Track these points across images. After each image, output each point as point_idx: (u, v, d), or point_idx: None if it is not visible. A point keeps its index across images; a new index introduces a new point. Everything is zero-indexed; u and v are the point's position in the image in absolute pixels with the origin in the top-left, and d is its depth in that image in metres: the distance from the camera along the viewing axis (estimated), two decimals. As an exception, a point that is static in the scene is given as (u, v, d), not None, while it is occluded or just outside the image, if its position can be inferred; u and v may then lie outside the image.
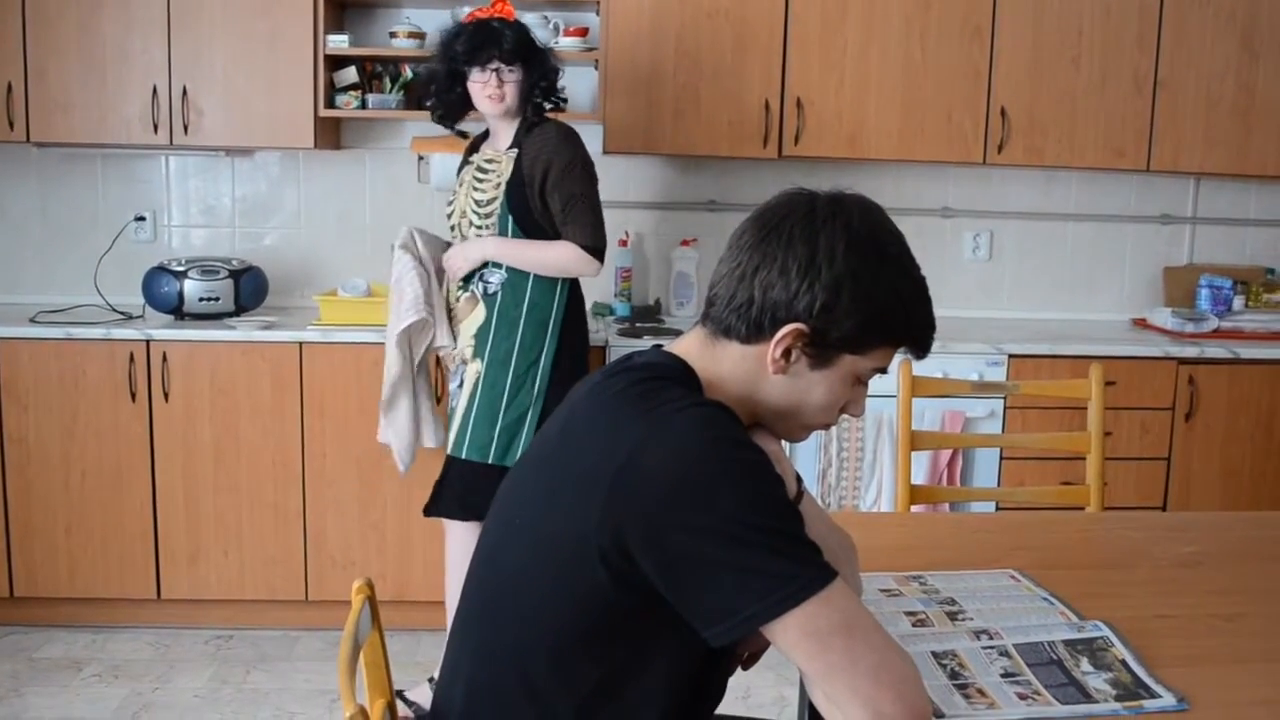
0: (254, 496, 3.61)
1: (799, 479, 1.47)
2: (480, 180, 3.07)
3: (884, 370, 1.39)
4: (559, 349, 3.08)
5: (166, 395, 3.56)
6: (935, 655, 1.57)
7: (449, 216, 3.19)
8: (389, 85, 3.87)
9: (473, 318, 3.10)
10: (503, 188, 3.02)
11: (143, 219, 4.07)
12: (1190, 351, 3.77)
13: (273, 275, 3.94)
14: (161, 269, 3.69)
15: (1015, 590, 1.82)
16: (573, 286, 3.14)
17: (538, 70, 3.04)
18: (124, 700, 3.24)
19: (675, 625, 1.26)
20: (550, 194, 3.01)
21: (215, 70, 3.69)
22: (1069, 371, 3.62)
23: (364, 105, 3.80)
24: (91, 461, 3.58)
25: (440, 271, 3.20)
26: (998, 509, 3.46)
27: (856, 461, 3.66)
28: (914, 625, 1.68)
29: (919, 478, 3.52)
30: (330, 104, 3.78)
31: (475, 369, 3.08)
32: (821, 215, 1.33)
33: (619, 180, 4.09)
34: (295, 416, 3.59)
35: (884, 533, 2.21)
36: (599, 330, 3.69)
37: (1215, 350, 3.78)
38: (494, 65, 2.98)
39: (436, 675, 1.77)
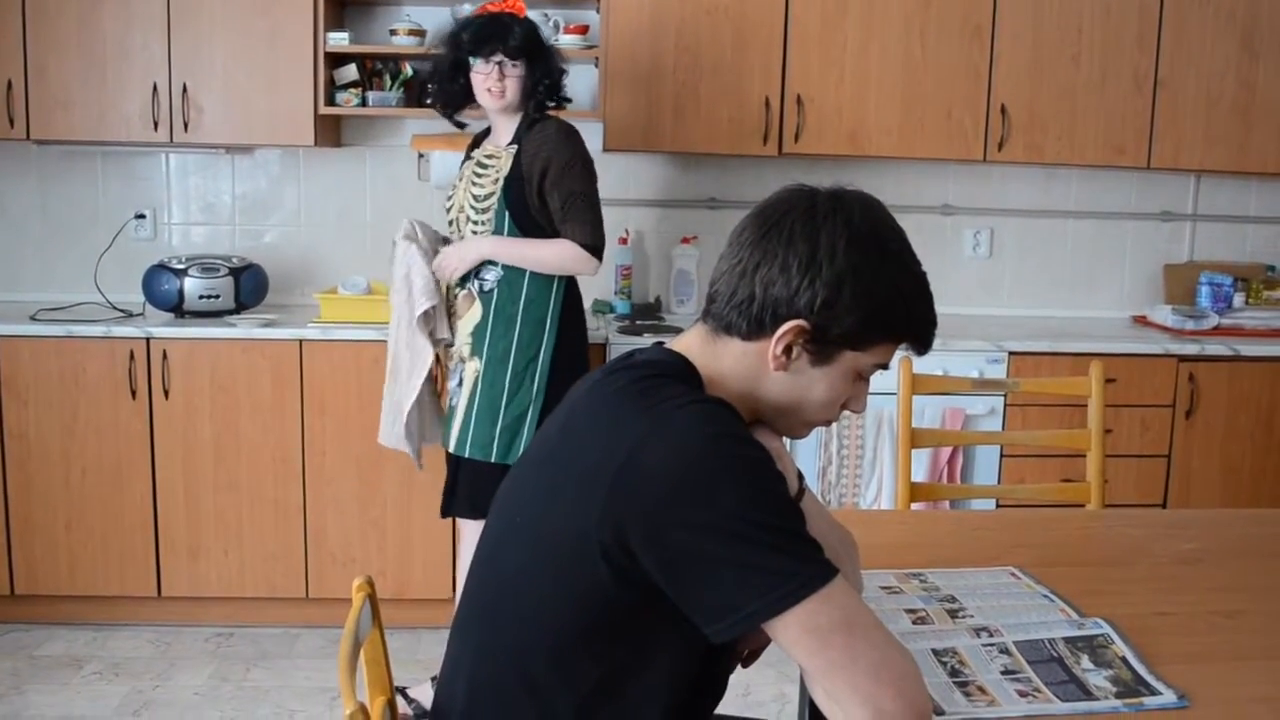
0: (254, 494, 3.61)
1: (800, 476, 1.47)
2: (479, 175, 3.07)
3: (885, 366, 1.39)
4: (557, 346, 3.07)
5: (167, 393, 3.56)
6: (936, 652, 1.57)
7: (448, 211, 3.19)
8: (389, 83, 3.87)
9: (469, 315, 3.10)
10: (500, 183, 3.02)
11: (143, 216, 4.07)
12: (1190, 349, 3.77)
13: (273, 273, 3.94)
14: (162, 266, 3.69)
15: (1015, 587, 1.82)
16: (569, 283, 3.13)
17: (542, 68, 3.04)
18: (124, 698, 3.24)
19: (676, 622, 1.26)
20: (549, 191, 3.00)
21: (215, 68, 3.69)
22: (1069, 369, 3.62)
23: (364, 103, 3.80)
24: (92, 459, 3.58)
25: None
26: (998, 506, 3.47)
27: (857, 459, 3.66)
28: (914, 623, 1.68)
29: (919, 475, 3.52)
30: (330, 101, 3.77)
31: (474, 367, 3.08)
32: (822, 211, 1.33)
33: (619, 178, 4.08)
34: (295, 414, 3.59)
35: (884, 530, 2.21)
36: (599, 328, 3.69)
37: (1215, 347, 3.78)
38: (497, 58, 2.98)
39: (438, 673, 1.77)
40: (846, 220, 1.32)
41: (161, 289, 3.67)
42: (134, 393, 3.56)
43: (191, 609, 3.71)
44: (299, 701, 3.24)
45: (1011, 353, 3.69)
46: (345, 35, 3.75)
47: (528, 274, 3.05)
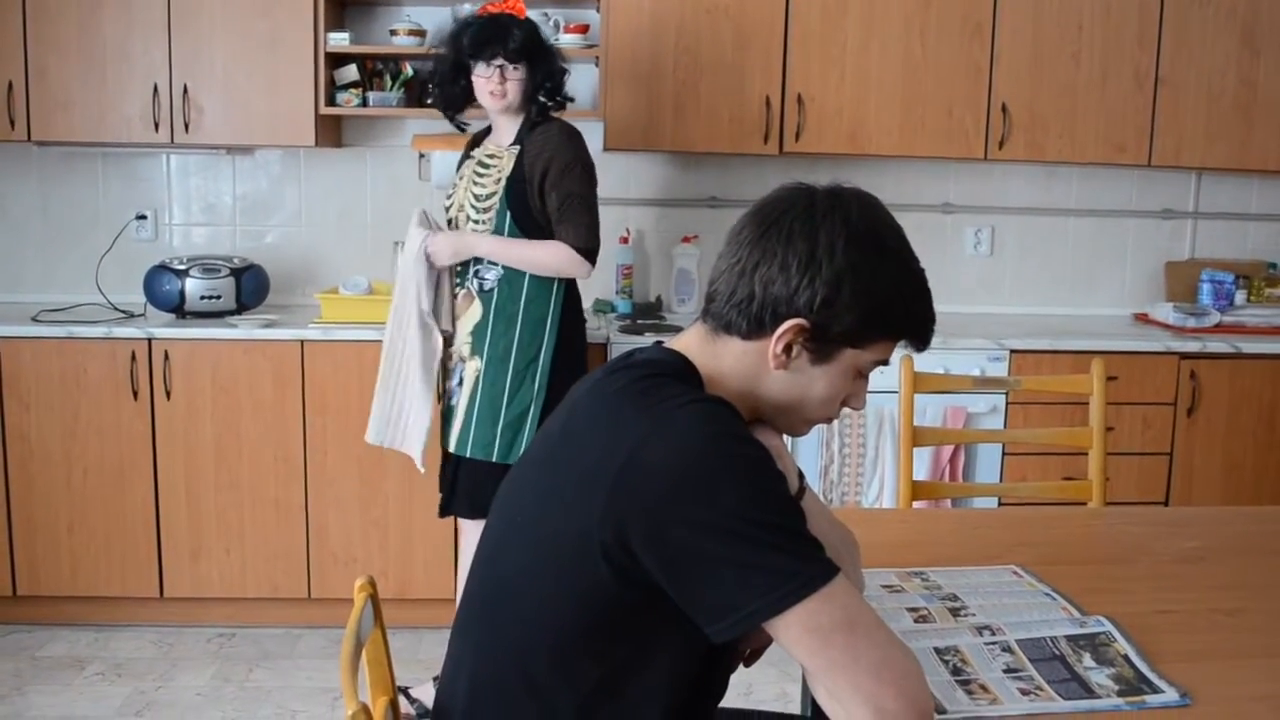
0: (256, 494, 3.61)
1: (800, 475, 1.47)
2: (481, 175, 3.07)
3: (885, 363, 1.39)
4: (558, 345, 3.07)
5: (168, 393, 3.56)
6: (937, 651, 1.57)
7: (446, 210, 3.19)
8: (390, 83, 3.87)
9: (469, 315, 3.10)
10: (503, 183, 3.02)
11: (144, 217, 4.07)
12: (1192, 346, 3.76)
13: (274, 273, 3.94)
14: (163, 267, 3.70)
15: (1017, 586, 1.82)
16: (570, 283, 3.13)
17: (543, 70, 3.04)
18: (126, 699, 3.24)
19: (677, 622, 1.26)
20: (548, 192, 3.01)
21: (216, 68, 3.69)
22: (1071, 367, 3.62)
23: (365, 103, 3.80)
24: (93, 460, 3.58)
25: None
26: (1000, 504, 3.47)
27: (858, 457, 3.66)
28: (916, 621, 1.68)
29: (921, 473, 3.51)
30: (331, 102, 3.78)
31: (474, 367, 3.08)
32: (821, 210, 1.33)
33: (620, 177, 4.08)
34: (297, 414, 3.59)
35: (886, 528, 2.21)
36: (600, 327, 3.69)
37: (1217, 345, 3.77)
38: (499, 61, 2.98)
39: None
40: (845, 218, 1.32)
41: (163, 290, 3.67)
42: (135, 393, 3.56)
43: (193, 609, 3.71)
44: (301, 702, 3.25)
45: (1013, 351, 3.69)
46: (346, 35, 3.75)
47: (528, 274, 3.05)
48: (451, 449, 3.12)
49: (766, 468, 1.26)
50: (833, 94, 3.81)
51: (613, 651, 1.31)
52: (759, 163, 4.03)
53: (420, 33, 3.75)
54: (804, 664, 1.24)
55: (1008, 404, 3.71)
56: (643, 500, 1.22)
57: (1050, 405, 3.67)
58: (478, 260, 3.07)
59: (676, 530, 1.21)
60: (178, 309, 3.67)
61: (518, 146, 3.04)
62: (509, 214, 3.02)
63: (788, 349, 1.34)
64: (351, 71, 3.80)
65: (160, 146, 3.88)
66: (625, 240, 4.08)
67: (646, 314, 4.02)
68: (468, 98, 3.12)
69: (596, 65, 3.88)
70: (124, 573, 3.63)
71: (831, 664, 1.20)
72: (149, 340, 3.55)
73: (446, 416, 3.17)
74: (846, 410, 3.50)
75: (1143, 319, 4.18)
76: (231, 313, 3.72)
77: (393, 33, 3.79)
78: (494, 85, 3.00)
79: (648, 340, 3.49)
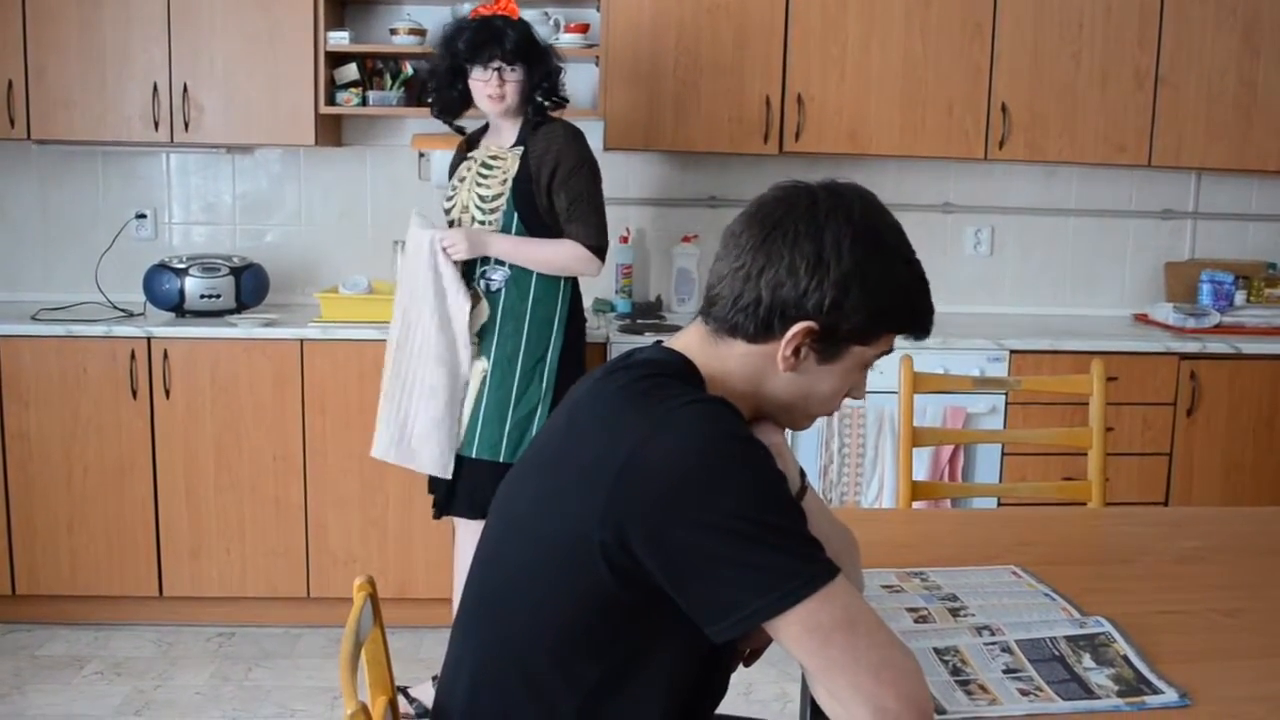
0: (255, 494, 3.61)
1: (802, 473, 1.47)
2: (485, 176, 3.07)
3: (889, 353, 1.40)
4: (565, 344, 3.08)
5: (168, 392, 3.56)
6: (937, 651, 1.57)
7: (448, 212, 3.18)
8: (390, 82, 3.87)
9: (475, 315, 3.10)
10: (509, 184, 3.02)
11: (143, 216, 4.07)
12: (1192, 347, 3.76)
13: (274, 272, 3.94)
14: (162, 266, 3.69)
15: (1017, 586, 1.82)
16: (573, 283, 3.15)
17: (539, 70, 3.04)
18: (126, 698, 3.24)
19: (677, 621, 1.26)
20: (556, 192, 3.02)
21: (216, 67, 3.69)
22: (1070, 367, 3.62)
23: (365, 102, 3.80)
24: (93, 459, 3.58)
25: None
26: (999, 505, 3.47)
27: (858, 458, 3.66)
28: (916, 621, 1.68)
29: (920, 474, 3.51)
30: (331, 101, 3.77)
31: (481, 367, 3.07)
32: (824, 210, 1.33)
33: (620, 177, 4.08)
34: (296, 414, 3.59)
35: (885, 529, 2.21)
36: (600, 327, 3.69)
37: (1217, 345, 3.77)
38: (496, 64, 2.98)
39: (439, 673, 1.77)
40: (848, 217, 1.32)
41: (162, 289, 3.67)
42: (135, 392, 3.56)
43: (193, 609, 3.71)
44: (300, 701, 3.24)
45: (1012, 351, 3.69)
46: (345, 35, 3.75)
47: (535, 274, 3.06)
48: (458, 450, 3.11)
49: (767, 468, 1.26)
50: (833, 94, 3.81)
51: (612, 651, 1.31)
52: (759, 162, 4.03)
53: (420, 32, 3.75)
54: (804, 664, 1.24)
55: (1007, 404, 3.71)
56: (643, 500, 1.22)
57: (1050, 405, 3.67)
58: (484, 261, 3.07)
59: (677, 530, 1.21)
60: (177, 308, 3.67)
61: (521, 147, 3.04)
62: (516, 214, 3.02)
63: (796, 350, 1.34)
64: (351, 71, 3.80)
65: (160, 145, 3.87)
66: (625, 240, 4.08)
67: (646, 314, 4.02)
68: (465, 102, 3.11)
69: (597, 65, 3.88)
70: (123, 572, 3.63)
71: (831, 664, 1.20)
72: (148, 339, 3.55)
73: None
74: (847, 409, 3.48)
75: (1142, 319, 4.18)
76: (231, 312, 3.72)
77: (393, 32, 3.79)
78: (492, 89, 3.00)
79: (648, 340, 3.49)
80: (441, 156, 3.73)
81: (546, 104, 3.09)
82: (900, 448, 2.71)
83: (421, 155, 3.96)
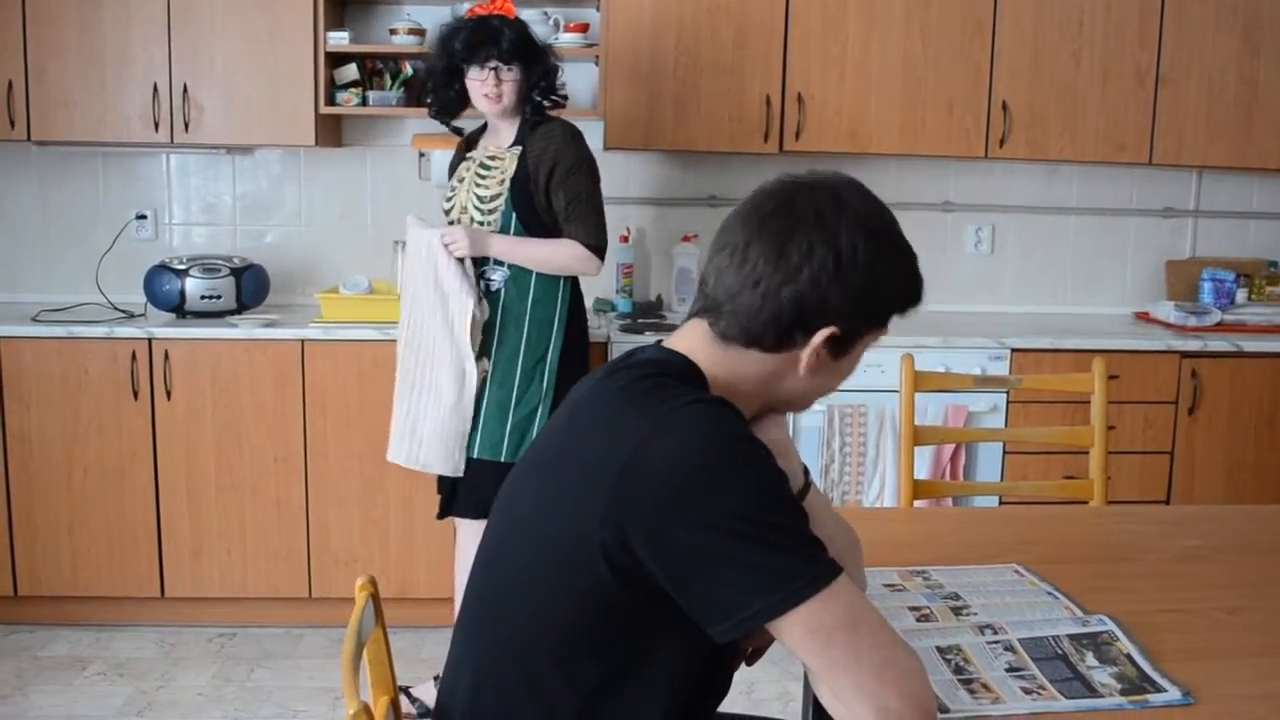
0: (256, 494, 3.61)
1: (805, 470, 1.47)
2: (483, 176, 3.07)
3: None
4: (565, 344, 3.08)
5: (169, 393, 3.56)
6: (940, 650, 1.56)
7: (447, 212, 3.18)
8: (390, 82, 3.87)
9: (476, 315, 3.09)
10: (507, 184, 3.02)
11: (144, 217, 4.07)
12: (1193, 345, 3.76)
13: (274, 273, 3.94)
14: (163, 267, 3.69)
15: (1019, 585, 1.82)
16: (574, 283, 3.14)
17: (537, 69, 3.03)
18: (128, 698, 3.24)
19: (679, 622, 1.26)
20: (555, 191, 3.01)
21: (216, 68, 3.69)
22: (1071, 365, 3.61)
23: (365, 102, 3.80)
24: (94, 460, 3.58)
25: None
26: (1001, 503, 3.46)
27: (859, 457, 3.66)
28: (918, 620, 1.67)
29: (922, 473, 3.51)
30: (331, 101, 3.77)
31: (482, 367, 3.07)
32: (831, 214, 1.31)
33: (620, 176, 4.08)
34: (297, 414, 3.58)
35: (887, 528, 2.21)
36: (601, 326, 3.69)
37: (1218, 344, 3.77)
38: (492, 64, 2.98)
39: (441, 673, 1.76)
40: (856, 215, 1.33)
41: (163, 289, 3.67)
42: (136, 393, 3.56)
43: (194, 609, 3.71)
44: (302, 702, 3.24)
45: (1014, 349, 3.69)
46: (345, 35, 3.75)
47: (534, 274, 3.06)
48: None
49: (768, 468, 1.26)
50: (833, 93, 3.81)
51: (614, 651, 1.31)
52: (759, 161, 4.03)
53: (420, 32, 3.75)
54: (807, 664, 1.23)
55: (1008, 403, 3.70)
56: (644, 501, 1.22)
57: (1051, 404, 3.66)
58: (484, 261, 3.07)
59: (678, 531, 1.21)
60: (178, 309, 3.67)
61: (519, 147, 3.04)
62: (515, 214, 3.02)
63: (817, 353, 1.35)
64: (351, 71, 3.80)
65: (160, 146, 3.87)
66: (625, 239, 4.08)
67: (647, 313, 4.02)
68: (463, 102, 3.11)
69: (596, 64, 3.87)
70: (125, 573, 3.63)
71: (834, 663, 1.20)
72: (149, 340, 3.55)
73: None
74: (846, 411, 3.49)
75: (1144, 318, 4.17)
76: (232, 312, 3.71)
77: (392, 32, 3.79)
78: (489, 88, 3.00)
79: (649, 339, 3.49)
80: (441, 156, 3.73)
81: (544, 103, 3.08)
82: (901, 446, 2.70)
83: (422, 155, 3.97)
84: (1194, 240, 4.33)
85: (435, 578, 3.63)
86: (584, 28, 3.81)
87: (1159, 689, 1.46)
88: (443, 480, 3.18)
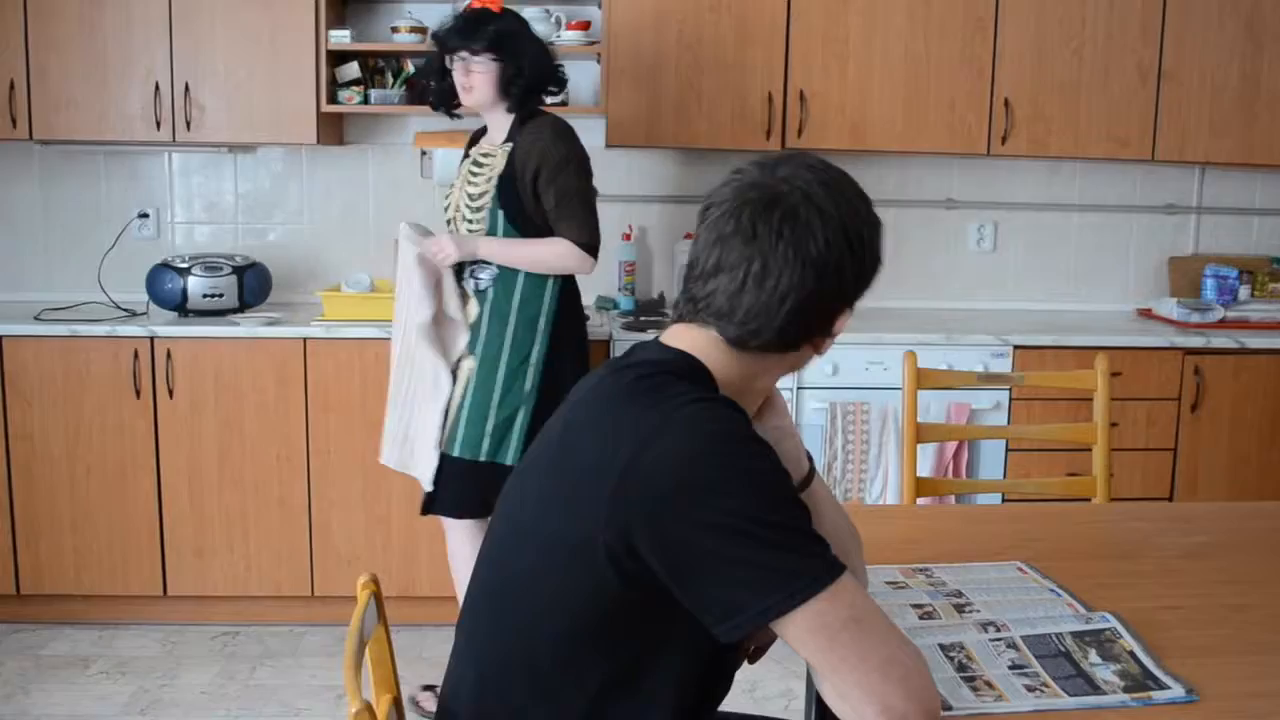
0: (259, 493, 3.61)
1: (809, 456, 1.47)
2: (475, 174, 3.06)
3: None
4: (551, 346, 3.05)
5: (171, 392, 3.56)
6: (943, 648, 1.56)
7: (445, 210, 3.18)
8: (391, 80, 3.87)
9: (466, 315, 3.09)
10: (494, 182, 3.01)
11: (146, 216, 4.07)
12: (1196, 341, 3.76)
13: (276, 271, 3.94)
14: (165, 266, 3.69)
15: (1022, 582, 1.82)
16: (565, 282, 3.10)
17: (514, 62, 2.98)
18: (131, 697, 3.24)
19: (683, 621, 1.26)
20: (544, 190, 2.98)
21: (217, 66, 3.69)
22: (1074, 362, 3.61)
23: (366, 100, 3.80)
24: (96, 459, 3.58)
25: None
26: (1003, 501, 3.46)
27: (862, 454, 3.66)
28: (921, 618, 1.67)
29: (925, 470, 3.51)
30: (333, 99, 3.77)
31: (468, 366, 3.06)
32: (822, 208, 1.31)
33: (622, 174, 4.08)
34: (300, 412, 3.59)
35: (890, 525, 2.20)
36: (603, 325, 3.69)
37: (1221, 340, 3.77)
38: (461, 55, 2.97)
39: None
40: (845, 196, 1.34)
41: (165, 288, 3.67)
42: (138, 392, 3.56)
43: (197, 608, 3.71)
44: (305, 700, 3.25)
45: (1016, 347, 3.68)
46: (347, 33, 3.74)
47: (522, 273, 3.03)
48: (440, 447, 3.10)
49: (772, 467, 1.26)
50: (835, 89, 3.80)
51: (619, 651, 1.31)
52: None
53: (422, 30, 3.75)
54: (810, 662, 1.23)
55: (1011, 400, 3.70)
56: (647, 501, 1.22)
57: (1054, 401, 3.66)
58: (473, 260, 3.06)
59: (682, 531, 1.21)
60: (180, 307, 3.67)
61: (510, 144, 3.02)
62: (501, 212, 3.00)
63: (834, 334, 1.38)
64: (353, 69, 3.80)
65: (162, 145, 3.87)
66: (628, 237, 4.07)
67: (649, 311, 4.01)
68: (453, 93, 3.11)
69: (598, 62, 3.87)
70: (127, 571, 3.63)
71: (838, 662, 1.20)
72: (151, 339, 3.55)
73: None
74: (849, 409, 3.49)
75: (1146, 314, 4.17)
76: (234, 311, 3.72)
77: (394, 30, 3.79)
78: (460, 79, 3.00)
79: (651, 336, 3.48)
80: (443, 154, 3.73)
81: (525, 97, 3.03)
82: (904, 444, 2.70)
83: (424, 153, 3.97)
84: (1197, 236, 4.32)
85: (437, 576, 3.63)
86: (585, 25, 3.80)
87: (1162, 686, 1.46)
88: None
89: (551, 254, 3.01)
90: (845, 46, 3.79)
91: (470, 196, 3.05)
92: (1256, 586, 1.85)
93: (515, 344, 3.03)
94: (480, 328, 3.06)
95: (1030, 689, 1.46)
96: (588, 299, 3.96)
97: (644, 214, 4.16)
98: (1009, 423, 3.69)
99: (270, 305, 3.86)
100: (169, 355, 3.55)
